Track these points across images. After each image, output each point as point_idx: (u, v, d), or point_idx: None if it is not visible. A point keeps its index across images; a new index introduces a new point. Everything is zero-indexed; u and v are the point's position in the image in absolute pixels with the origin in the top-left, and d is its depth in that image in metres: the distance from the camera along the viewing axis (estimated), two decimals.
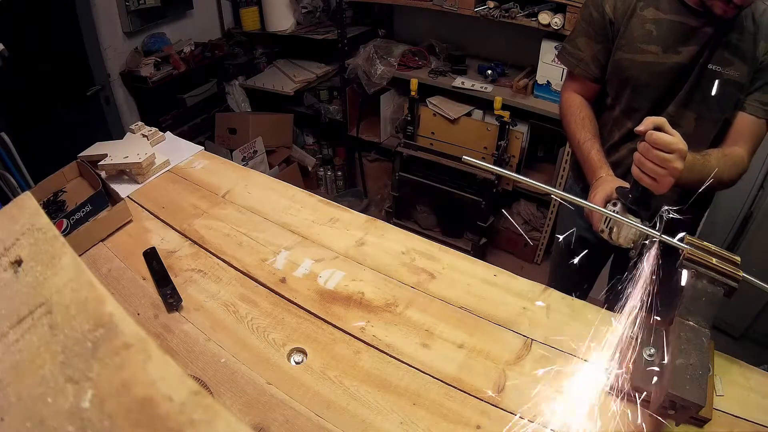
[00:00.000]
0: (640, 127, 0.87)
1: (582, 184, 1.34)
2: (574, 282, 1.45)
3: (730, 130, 1.12)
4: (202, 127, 2.91)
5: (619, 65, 1.14)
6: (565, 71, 1.25)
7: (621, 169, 1.21)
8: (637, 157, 0.88)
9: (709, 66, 1.05)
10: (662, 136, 0.86)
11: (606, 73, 1.18)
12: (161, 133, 1.38)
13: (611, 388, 0.72)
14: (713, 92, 1.03)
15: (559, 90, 1.63)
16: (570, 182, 1.47)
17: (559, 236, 1.46)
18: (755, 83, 1.08)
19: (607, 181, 1.05)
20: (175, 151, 1.32)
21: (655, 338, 0.76)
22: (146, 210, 1.12)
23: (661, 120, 0.87)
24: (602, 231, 0.97)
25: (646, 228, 0.80)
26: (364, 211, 2.68)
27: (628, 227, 0.91)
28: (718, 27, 1.03)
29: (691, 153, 1.09)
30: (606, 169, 1.09)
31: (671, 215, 0.79)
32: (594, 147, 1.13)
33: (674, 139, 0.87)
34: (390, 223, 1.08)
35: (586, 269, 1.47)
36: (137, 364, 0.32)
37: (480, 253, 2.49)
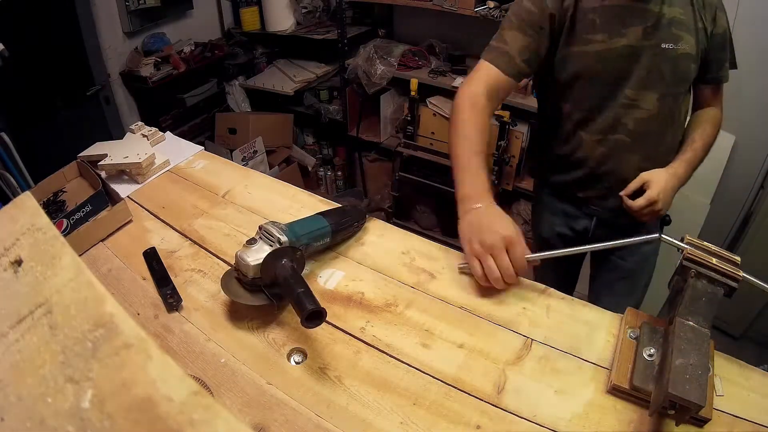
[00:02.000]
0: (623, 192, 1.15)
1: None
2: (558, 278, 1.46)
3: (701, 98, 1.23)
4: (202, 127, 2.91)
5: (568, 60, 1.13)
6: (481, 65, 1.12)
7: (587, 165, 1.23)
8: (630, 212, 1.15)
9: (663, 45, 1.07)
10: (639, 203, 1.11)
11: (530, 70, 1.15)
12: (161, 133, 1.38)
13: (611, 387, 0.72)
14: (671, 70, 1.10)
15: None
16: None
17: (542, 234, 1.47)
18: (712, 54, 1.13)
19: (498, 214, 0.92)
20: (175, 151, 1.32)
21: (655, 338, 0.76)
22: (146, 210, 1.12)
23: (637, 185, 1.13)
24: None
25: (643, 238, 0.83)
26: None
27: None
28: (654, 4, 1.06)
29: (681, 158, 1.17)
30: (490, 194, 0.94)
31: None
32: (483, 164, 0.97)
33: (651, 197, 1.09)
34: (390, 223, 1.08)
35: (566, 265, 1.48)
36: (137, 364, 0.32)
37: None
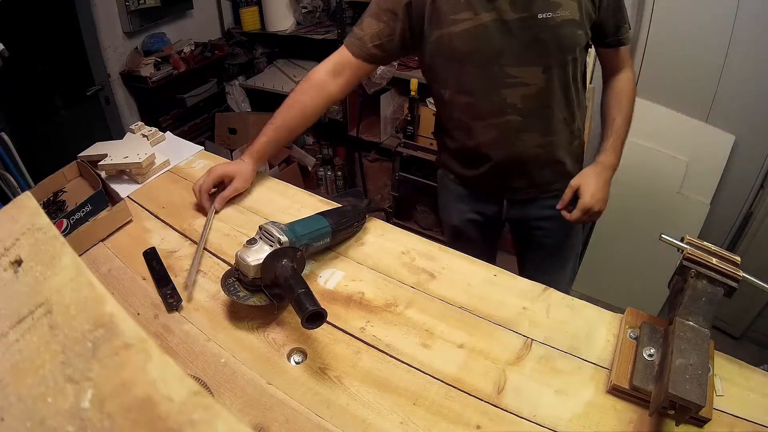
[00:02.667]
0: (559, 206, 1.17)
1: (453, 174, 1.35)
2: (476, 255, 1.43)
3: (607, 62, 1.21)
4: (202, 127, 2.91)
5: (438, 44, 1.10)
6: (339, 49, 1.20)
7: (485, 155, 1.20)
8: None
9: (539, 16, 1.03)
10: (575, 216, 1.13)
11: (384, 54, 1.15)
12: (161, 133, 1.38)
13: (611, 387, 0.72)
14: (554, 39, 1.06)
15: None
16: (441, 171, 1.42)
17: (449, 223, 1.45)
18: (605, 17, 1.09)
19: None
20: (175, 151, 1.32)
21: (655, 338, 0.76)
22: (146, 210, 1.12)
23: (570, 195, 1.16)
24: None
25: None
26: None
27: None
28: None
29: (607, 148, 1.18)
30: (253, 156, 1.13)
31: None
32: (269, 136, 1.13)
33: (585, 204, 1.11)
34: (390, 223, 1.08)
35: (483, 246, 1.44)
36: (137, 364, 0.32)
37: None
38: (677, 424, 0.65)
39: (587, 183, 1.13)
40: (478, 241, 1.41)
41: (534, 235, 1.37)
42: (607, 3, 1.08)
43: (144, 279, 0.93)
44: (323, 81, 1.16)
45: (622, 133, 1.18)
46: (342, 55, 1.16)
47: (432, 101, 2.44)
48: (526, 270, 1.47)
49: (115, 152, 1.23)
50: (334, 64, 1.16)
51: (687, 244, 0.75)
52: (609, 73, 1.23)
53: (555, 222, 1.26)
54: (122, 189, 1.17)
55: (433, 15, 1.07)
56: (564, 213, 1.15)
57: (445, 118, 1.26)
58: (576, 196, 1.15)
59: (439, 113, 1.30)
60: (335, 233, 0.94)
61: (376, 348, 0.80)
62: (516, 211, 1.32)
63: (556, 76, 1.10)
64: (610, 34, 1.14)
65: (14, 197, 0.59)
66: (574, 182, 1.15)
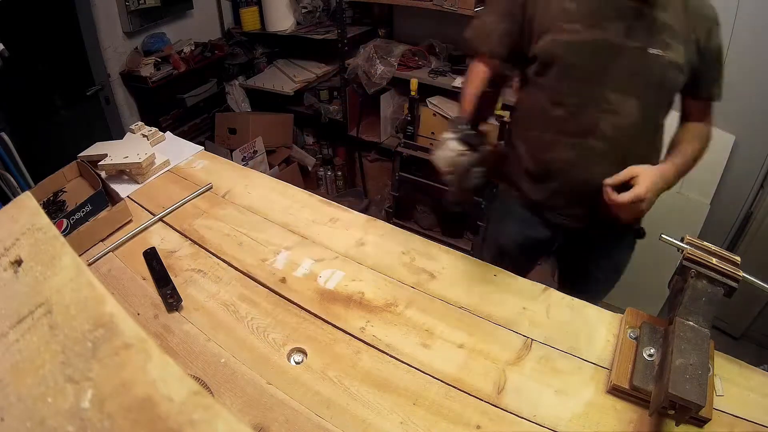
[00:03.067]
0: (609, 181, 1.04)
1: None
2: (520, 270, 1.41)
3: (689, 112, 1.17)
4: (202, 127, 2.91)
5: (542, 48, 1.09)
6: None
7: (557, 173, 1.17)
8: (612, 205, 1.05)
9: (650, 50, 1.02)
10: (624, 197, 1.01)
11: (512, 53, 1.15)
12: (161, 133, 1.38)
13: (611, 387, 0.72)
14: (657, 77, 1.04)
15: None
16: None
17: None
18: (703, 70, 1.07)
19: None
20: (175, 151, 1.32)
21: (655, 338, 0.76)
22: (146, 210, 1.12)
23: (625, 177, 1.03)
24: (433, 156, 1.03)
25: None
26: (364, 211, 2.68)
27: (444, 150, 0.98)
28: (648, 5, 1.01)
29: (671, 161, 1.11)
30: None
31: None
32: (468, 105, 1.15)
33: (639, 193, 1.00)
34: (390, 223, 1.08)
35: (525, 267, 1.40)
36: (137, 364, 0.32)
37: (480, 253, 2.49)
38: (677, 424, 0.65)
39: (647, 176, 1.03)
40: (522, 262, 1.38)
41: (582, 267, 1.36)
42: (710, 56, 1.07)
43: (144, 279, 0.93)
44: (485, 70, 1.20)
45: (688, 165, 1.12)
46: (482, 60, 1.19)
47: (434, 102, 2.44)
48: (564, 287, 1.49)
49: (115, 152, 1.23)
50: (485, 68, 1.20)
51: (687, 244, 0.75)
52: (693, 119, 1.18)
53: (610, 257, 1.27)
54: (122, 189, 1.17)
55: (545, 17, 1.07)
56: (609, 191, 1.05)
57: (528, 126, 1.23)
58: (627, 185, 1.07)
59: (521, 121, 1.27)
60: None
61: (376, 348, 0.80)
62: (571, 246, 1.30)
63: (651, 114, 1.09)
64: (703, 86, 1.11)
65: (14, 197, 0.59)
66: (634, 169, 1.05)
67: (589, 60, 1.05)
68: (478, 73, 1.18)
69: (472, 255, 1.18)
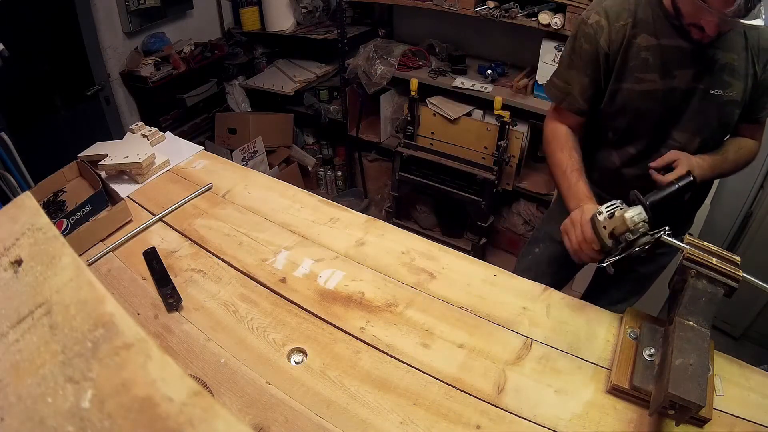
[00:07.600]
0: (654, 164, 1.10)
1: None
2: (553, 273, 1.42)
3: (743, 131, 1.19)
4: (202, 127, 2.91)
5: (618, 95, 1.13)
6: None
7: (623, 194, 1.15)
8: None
9: (712, 91, 1.06)
10: (668, 178, 1.04)
11: (591, 106, 1.17)
12: (161, 133, 1.38)
13: (611, 387, 0.72)
14: (717, 116, 1.09)
15: None
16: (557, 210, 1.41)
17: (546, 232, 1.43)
18: (756, 98, 1.10)
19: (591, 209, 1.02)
20: (175, 151, 1.32)
21: (655, 338, 0.76)
22: (146, 210, 1.12)
23: (669, 160, 1.08)
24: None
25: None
26: (364, 211, 2.67)
27: (630, 214, 0.85)
28: (710, 47, 1.03)
29: (711, 155, 1.14)
30: (592, 200, 1.05)
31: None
32: (582, 178, 1.10)
33: (681, 172, 1.04)
34: (390, 223, 1.08)
35: (566, 266, 1.43)
36: (137, 364, 0.32)
37: (480, 253, 2.49)
38: (677, 424, 0.65)
39: (687, 159, 1.09)
40: (555, 268, 1.41)
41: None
42: (763, 85, 1.09)
43: (144, 279, 0.93)
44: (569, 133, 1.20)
45: (725, 167, 1.16)
46: (562, 113, 1.19)
47: (434, 102, 2.44)
48: (594, 288, 1.49)
49: (115, 152, 1.23)
50: (570, 127, 1.20)
51: (687, 244, 0.75)
52: (742, 135, 1.21)
53: (653, 256, 1.28)
54: (122, 189, 1.17)
55: (622, 67, 1.10)
56: (653, 173, 1.11)
57: (598, 155, 1.25)
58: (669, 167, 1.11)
59: (595, 150, 1.28)
60: None
61: (376, 348, 0.80)
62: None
63: (711, 146, 1.14)
64: (755, 111, 1.14)
65: (14, 197, 0.58)
66: (676, 154, 1.10)
67: (662, 106, 1.10)
68: (567, 139, 1.17)
69: (472, 255, 1.18)
